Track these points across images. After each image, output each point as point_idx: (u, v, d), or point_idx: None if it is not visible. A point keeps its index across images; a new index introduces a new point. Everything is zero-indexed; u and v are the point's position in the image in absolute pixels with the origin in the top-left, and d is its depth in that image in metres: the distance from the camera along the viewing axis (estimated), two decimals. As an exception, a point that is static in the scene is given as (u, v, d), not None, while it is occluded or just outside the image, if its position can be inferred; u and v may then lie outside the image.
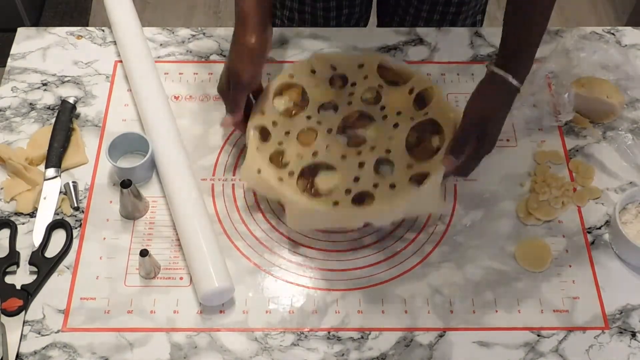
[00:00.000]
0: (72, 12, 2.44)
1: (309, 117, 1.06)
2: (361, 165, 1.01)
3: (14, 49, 1.22)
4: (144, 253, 0.95)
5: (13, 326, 0.93)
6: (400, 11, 1.37)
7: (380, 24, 1.46)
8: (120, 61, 1.20)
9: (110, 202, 1.05)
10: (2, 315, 0.94)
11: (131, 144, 1.07)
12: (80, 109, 1.14)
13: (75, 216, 1.04)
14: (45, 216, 1.03)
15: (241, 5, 1.02)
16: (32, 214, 1.03)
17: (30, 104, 1.15)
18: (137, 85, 1.13)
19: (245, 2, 1.02)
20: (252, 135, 1.04)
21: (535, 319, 0.96)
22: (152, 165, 1.07)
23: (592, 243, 1.03)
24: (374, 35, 1.25)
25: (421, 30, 1.26)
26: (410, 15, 1.36)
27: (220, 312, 0.96)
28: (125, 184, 0.99)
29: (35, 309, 0.96)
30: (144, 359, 0.92)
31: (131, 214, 1.03)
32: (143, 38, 1.19)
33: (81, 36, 1.24)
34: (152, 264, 0.97)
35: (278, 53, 1.22)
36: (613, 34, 1.26)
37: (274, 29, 1.26)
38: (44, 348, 0.93)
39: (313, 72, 1.10)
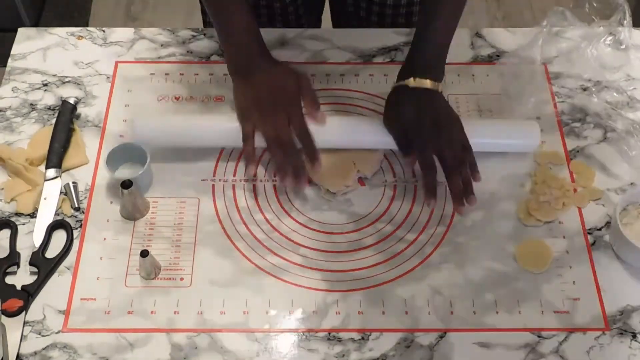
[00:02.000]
0: (72, 12, 2.44)
1: None
2: None
3: (15, 49, 1.22)
4: (144, 254, 0.95)
5: (13, 327, 0.93)
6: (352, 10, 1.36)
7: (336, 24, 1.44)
8: (121, 61, 1.20)
9: (111, 202, 1.05)
10: (3, 316, 0.94)
11: (129, 154, 1.06)
12: (80, 109, 1.14)
13: (76, 217, 1.03)
14: (45, 217, 1.03)
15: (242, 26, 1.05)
16: (33, 215, 1.03)
17: (31, 104, 1.15)
18: None
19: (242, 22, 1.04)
20: None
21: (536, 320, 0.96)
22: (151, 175, 1.06)
23: (593, 244, 1.03)
24: (374, 36, 1.25)
25: (422, 31, 1.26)
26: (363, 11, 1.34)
27: (221, 312, 0.96)
28: (125, 184, 0.99)
29: (36, 310, 0.96)
30: (144, 359, 0.92)
31: (132, 214, 1.02)
32: None
33: (82, 36, 1.24)
34: (153, 264, 0.97)
35: (278, 54, 1.22)
36: (614, 34, 1.26)
37: (273, 29, 1.27)
38: (44, 348, 0.93)
39: None
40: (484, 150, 1.07)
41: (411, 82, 1.03)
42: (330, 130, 1.04)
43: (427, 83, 1.03)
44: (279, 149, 1.01)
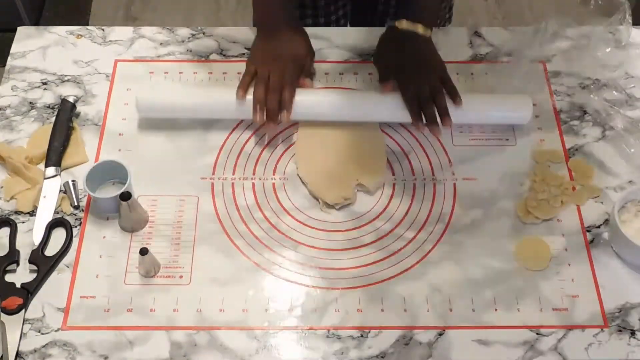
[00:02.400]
0: (72, 11, 2.44)
1: None
2: None
3: (14, 48, 1.22)
4: (143, 252, 0.95)
5: (13, 324, 0.93)
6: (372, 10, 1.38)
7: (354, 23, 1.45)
8: (120, 60, 1.20)
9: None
10: (2, 314, 0.94)
11: (109, 172, 1.05)
12: (80, 107, 1.14)
13: (75, 215, 1.04)
14: (45, 215, 1.03)
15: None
16: (32, 213, 1.04)
17: (30, 102, 1.15)
18: None
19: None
20: None
21: (535, 317, 0.96)
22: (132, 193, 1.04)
23: (592, 242, 1.03)
24: (373, 35, 1.25)
25: (421, 30, 1.26)
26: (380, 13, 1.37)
27: (220, 310, 0.96)
28: (124, 196, 0.98)
29: (35, 308, 0.96)
30: (143, 357, 0.92)
31: (130, 227, 1.01)
32: None
33: (81, 35, 1.24)
34: (152, 262, 0.97)
35: (278, 52, 1.22)
36: (613, 33, 1.26)
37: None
38: (43, 346, 0.93)
39: None
40: (478, 123, 1.12)
41: (403, 24, 1.08)
42: (327, 103, 1.11)
43: (419, 27, 1.09)
44: (262, 87, 1.09)
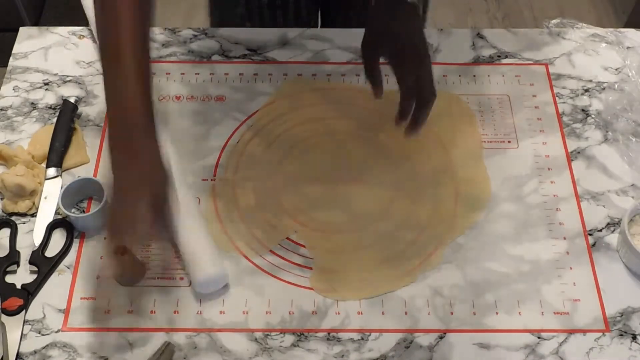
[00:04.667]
0: (72, 12, 2.43)
1: None
2: None
3: (16, 49, 1.22)
4: (122, 251, 0.92)
5: (13, 325, 0.93)
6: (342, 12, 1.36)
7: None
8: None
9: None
10: (3, 315, 0.94)
11: (86, 190, 1.03)
12: (81, 108, 1.14)
13: (76, 216, 1.04)
14: (45, 216, 1.03)
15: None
16: (33, 214, 1.03)
17: (32, 103, 1.15)
18: None
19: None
20: None
21: (536, 321, 0.96)
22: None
23: (593, 245, 1.03)
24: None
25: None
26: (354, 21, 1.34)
27: (220, 312, 0.96)
28: (120, 250, 0.92)
29: (36, 309, 0.96)
30: (144, 359, 0.92)
31: (128, 281, 0.97)
32: None
33: (83, 36, 1.24)
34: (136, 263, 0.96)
35: (279, 54, 1.22)
36: (615, 35, 1.26)
37: (274, 29, 1.27)
38: (44, 347, 0.93)
39: None
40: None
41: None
42: None
43: None
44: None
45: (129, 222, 0.83)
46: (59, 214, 1.03)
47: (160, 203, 0.84)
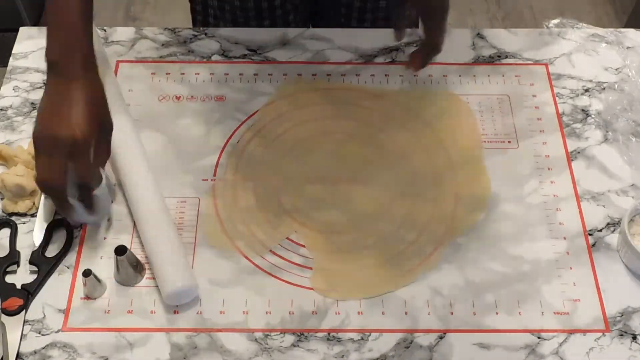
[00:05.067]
0: (73, 11, 2.44)
1: None
2: None
3: (16, 49, 1.22)
4: (86, 273, 0.93)
5: (13, 326, 0.93)
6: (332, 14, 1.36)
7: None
8: (121, 61, 1.20)
9: (112, 202, 1.05)
10: (3, 315, 0.94)
11: None
12: (81, 108, 1.14)
13: (76, 216, 1.04)
14: (45, 216, 1.02)
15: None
16: (33, 214, 1.03)
17: (32, 103, 1.15)
18: None
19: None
20: None
21: (536, 321, 0.96)
22: (109, 198, 1.03)
23: (593, 245, 1.03)
24: (376, 36, 1.25)
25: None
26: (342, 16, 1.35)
27: (220, 312, 0.96)
28: (120, 250, 0.94)
29: (36, 309, 0.96)
30: (143, 359, 0.92)
31: (127, 281, 0.98)
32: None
33: (83, 36, 1.23)
34: (94, 285, 0.95)
35: (279, 54, 1.22)
36: (615, 35, 1.26)
37: (275, 29, 1.27)
38: (44, 348, 0.93)
39: None
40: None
41: None
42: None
43: None
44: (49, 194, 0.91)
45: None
46: (58, 213, 1.03)
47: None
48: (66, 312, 0.95)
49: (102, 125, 0.90)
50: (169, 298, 0.94)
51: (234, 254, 1.01)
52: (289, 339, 0.94)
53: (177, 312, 0.96)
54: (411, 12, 1.06)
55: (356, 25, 1.34)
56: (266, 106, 1.16)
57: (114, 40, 1.23)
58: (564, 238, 1.03)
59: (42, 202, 1.03)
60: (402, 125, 1.14)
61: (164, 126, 1.13)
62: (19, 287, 0.96)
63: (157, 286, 0.97)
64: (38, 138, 0.86)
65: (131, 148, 1.06)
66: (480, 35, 1.26)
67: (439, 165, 1.10)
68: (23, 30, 1.25)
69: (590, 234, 1.04)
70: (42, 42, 1.21)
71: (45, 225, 1.01)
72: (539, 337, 0.95)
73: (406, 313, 0.96)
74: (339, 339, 0.94)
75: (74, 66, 0.87)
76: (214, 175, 1.08)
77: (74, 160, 0.86)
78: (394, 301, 0.97)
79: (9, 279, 0.97)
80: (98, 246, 1.01)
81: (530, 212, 1.05)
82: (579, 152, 1.12)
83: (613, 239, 1.03)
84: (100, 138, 0.89)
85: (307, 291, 0.98)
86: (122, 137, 1.06)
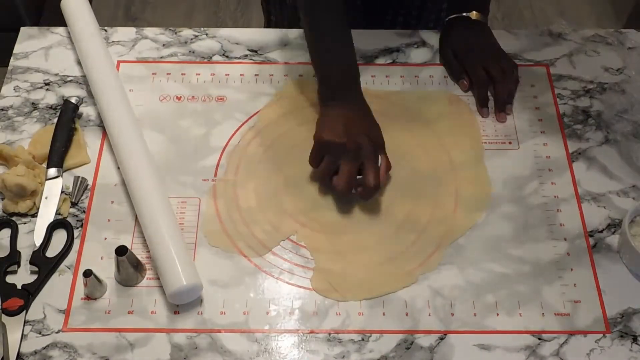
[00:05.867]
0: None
1: None
2: None
3: (17, 49, 1.22)
4: (87, 273, 0.93)
5: (14, 326, 0.93)
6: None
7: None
8: (122, 61, 1.20)
9: (112, 202, 1.05)
10: (3, 315, 0.94)
11: None
12: (82, 108, 1.14)
13: (77, 216, 1.03)
14: (46, 216, 1.02)
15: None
16: (34, 214, 1.03)
17: (33, 103, 1.15)
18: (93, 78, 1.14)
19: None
20: None
21: (536, 322, 0.96)
22: None
23: (594, 246, 1.03)
24: (376, 37, 1.25)
25: (423, 33, 1.26)
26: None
27: (221, 312, 0.96)
28: (120, 250, 0.94)
29: (36, 309, 0.96)
30: (144, 359, 0.92)
31: (128, 281, 0.98)
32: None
33: (83, 36, 1.23)
34: (95, 285, 0.95)
35: (280, 54, 1.22)
36: (616, 36, 1.26)
37: (275, 29, 1.27)
38: (44, 348, 0.93)
39: None
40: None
41: (460, 15, 1.20)
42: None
43: (473, 15, 1.19)
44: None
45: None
46: (59, 214, 1.03)
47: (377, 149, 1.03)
48: (67, 312, 0.95)
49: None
50: (173, 297, 0.94)
51: (235, 255, 1.01)
52: (290, 339, 0.94)
53: (178, 313, 0.96)
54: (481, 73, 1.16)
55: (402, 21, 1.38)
56: (267, 107, 1.16)
57: (114, 41, 1.23)
58: (565, 239, 1.03)
59: (42, 202, 1.03)
60: (403, 125, 1.14)
61: (164, 126, 1.13)
62: (19, 287, 0.96)
63: (157, 286, 0.97)
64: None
65: (136, 147, 1.06)
66: (481, 36, 1.26)
67: (440, 165, 1.10)
68: (23, 30, 1.25)
69: (590, 235, 1.04)
70: (42, 42, 1.23)
71: (45, 225, 1.01)
72: (539, 338, 0.95)
73: (407, 314, 0.96)
74: (339, 339, 0.94)
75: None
76: (215, 175, 1.08)
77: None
78: (395, 302, 0.97)
79: (9, 279, 0.97)
80: (98, 246, 1.01)
81: (530, 213, 1.05)
82: (579, 153, 1.12)
83: (614, 240, 1.03)
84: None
85: (307, 292, 0.98)
86: (126, 136, 1.06)
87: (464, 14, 1.20)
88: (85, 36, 1.17)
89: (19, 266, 0.99)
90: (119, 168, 1.07)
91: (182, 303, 0.96)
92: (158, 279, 0.97)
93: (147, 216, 0.99)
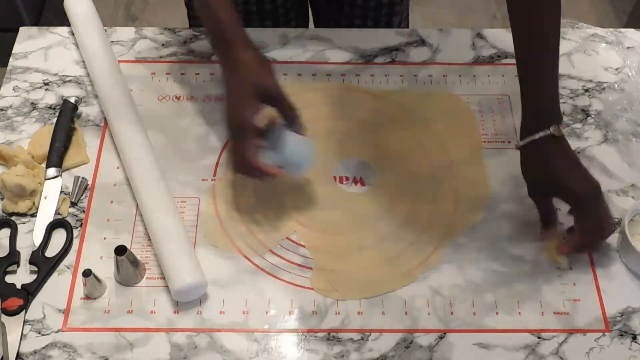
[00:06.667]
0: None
1: None
2: None
3: (16, 49, 1.22)
4: (86, 273, 0.93)
5: (13, 326, 0.93)
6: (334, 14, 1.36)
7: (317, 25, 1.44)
8: (122, 61, 1.20)
9: (111, 202, 1.05)
10: (3, 315, 0.94)
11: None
12: (81, 108, 1.14)
13: (76, 216, 1.03)
14: (45, 216, 1.02)
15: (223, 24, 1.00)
16: (33, 214, 1.03)
17: (32, 103, 1.15)
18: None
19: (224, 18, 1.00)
20: None
21: (536, 321, 0.96)
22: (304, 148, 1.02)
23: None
24: (376, 36, 1.25)
25: (423, 32, 1.26)
26: (344, 17, 1.35)
27: (220, 312, 0.96)
28: (120, 250, 0.94)
29: (36, 309, 0.96)
30: (143, 359, 0.92)
31: (127, 281, 0.98)
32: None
33: (83, 36, 1.23)
34: (94, 285, 0.96)
35: (279, 54, 1.22)
36: (615, 35, 1.26)
37: (275, 29, 1.27)
38: (44, 348, 0.93)
39: None
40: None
41: (534, 136, 0.96)
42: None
43: (550, 131, 0.96)
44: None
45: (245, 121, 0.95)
46: (59, 213, 1.03)
47: (271, 89, 0.98)
48: (66, 312, 0.95)
49: None
50: (178, 294, 0.94)
51: (234, 254, 1.01)
52: (289, 339, 0.94)
53: (177, 312, 0.96)
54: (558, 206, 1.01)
55: (359, 23, 1.34)
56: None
57: (114, 40, 1.23)
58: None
59: (42, 202, 1.03)
60: (402, 125, 1.14)
61: (164, 126, 1.13)
62: (19, 287, 0.96)
63: (157, 286, 0.97)
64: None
65: (139, 145, 1.06)
66: (480, 36, 1.26)
67: (439, 165, 1.10)
68: (23, 30, 1.25)
69: (590, 234, 1.04)
70: (42, 42, 1.23)
71: (45, 225, 1.01)
72: (539, 337, 0.95)
73: (406, 313, 0.96)
74: (339, 339, 0.94)
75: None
76: (214, 175, 1.08)
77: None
78: (394, 301, 0.97)
79: (9, 279, 0.97)
80: (98, 246, 1.01)
81: (530, 212, 1.05)
82: (579, 152, 1.12)
83: (613, 239, 1.03)
84: None
85: (307, 291, 0.98)
86: (130, 134, 1.06)
87: (535, 138, 0.97)
88: (90, 33, 1.17)
89: (18, 266, 0.99)
90: (118, 167, 1.07)
91: (187, 301, 0.96)
92: (158, 278, 0.98)
93: (153, 212, 0.99)
